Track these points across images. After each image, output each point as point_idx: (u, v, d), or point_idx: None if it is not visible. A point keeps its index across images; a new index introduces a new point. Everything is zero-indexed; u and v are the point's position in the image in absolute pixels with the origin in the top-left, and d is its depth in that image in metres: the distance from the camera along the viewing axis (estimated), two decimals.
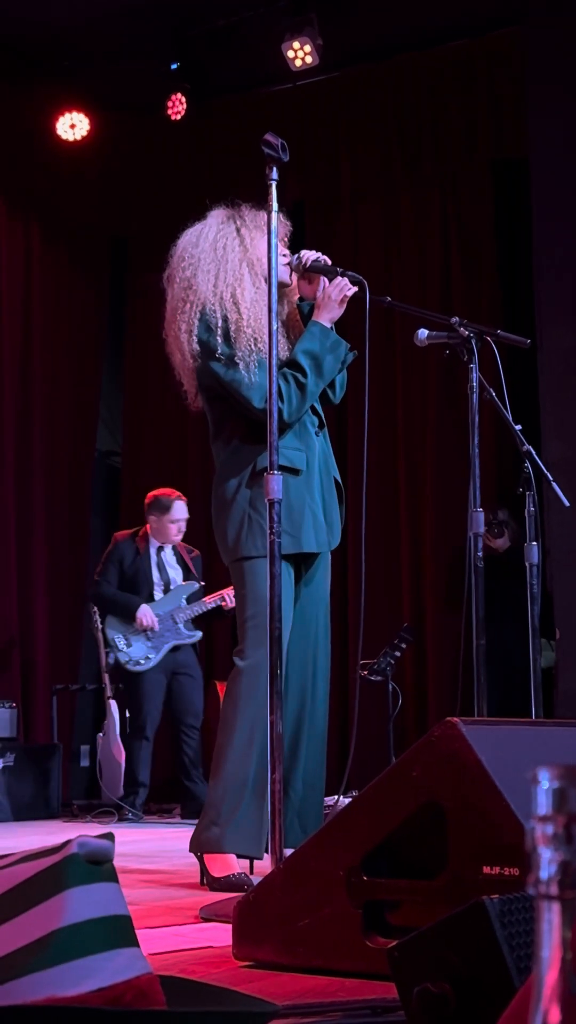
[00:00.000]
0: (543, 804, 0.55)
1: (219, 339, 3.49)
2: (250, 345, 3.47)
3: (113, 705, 7.43)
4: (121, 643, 6.71)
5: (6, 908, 1.16)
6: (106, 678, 7.52)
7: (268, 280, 2.97)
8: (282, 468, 3.32)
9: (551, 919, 0.54)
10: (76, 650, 8.19)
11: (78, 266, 8.50)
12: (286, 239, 3.66)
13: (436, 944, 1.38)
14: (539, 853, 0.55)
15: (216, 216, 3.66)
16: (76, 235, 8.44)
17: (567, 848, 0.54)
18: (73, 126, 7.89)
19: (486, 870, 1.90)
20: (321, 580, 3.66)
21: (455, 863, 1.94)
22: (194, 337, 3.53)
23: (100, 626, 7.64)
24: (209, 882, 3.37)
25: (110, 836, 1.22)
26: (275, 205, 2.95)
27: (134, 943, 1.18)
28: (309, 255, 3.52)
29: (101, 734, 7.41)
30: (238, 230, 3.58)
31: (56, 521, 8.08)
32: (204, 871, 3.41)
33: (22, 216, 8.02)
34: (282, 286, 3.51)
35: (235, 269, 3.52)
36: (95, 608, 6.83)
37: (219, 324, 3.49)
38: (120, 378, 8.91)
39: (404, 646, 6.66)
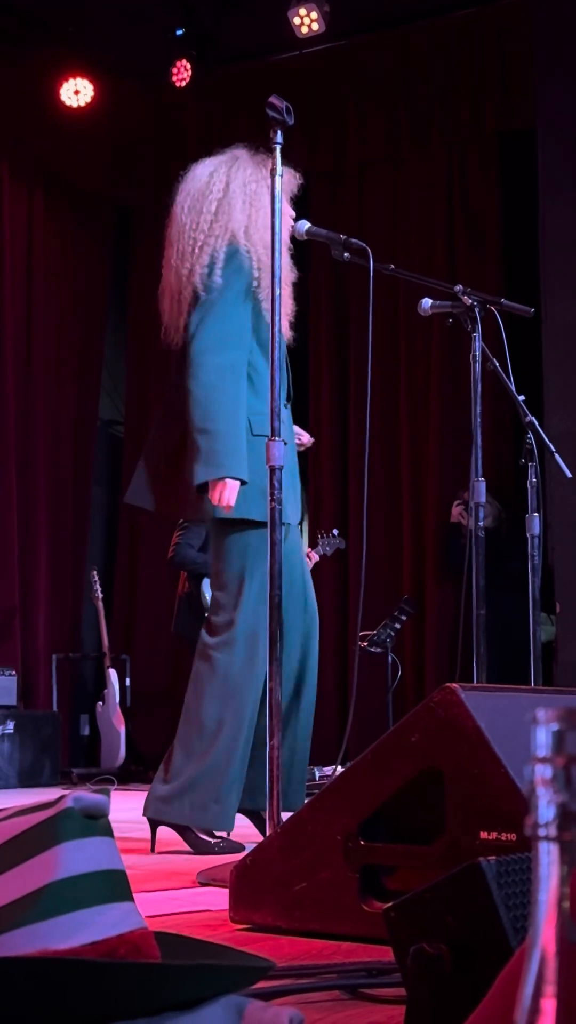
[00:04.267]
0: (542, 746, 0.54)
1: (240, 265, 3.44)
2: (260, 279, 3.42)
3: (113, 674, 7.44)
4: None
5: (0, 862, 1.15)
6: (106, 647, 7.52)
7: (272, 246, 2.95)
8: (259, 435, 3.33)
9: (549, 861, 0.53)
10: (77, 619, 8.20)
11: (81, 233, 8.46)
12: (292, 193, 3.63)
13: (432, 905, 1.38)
14: (538, 795, 0.54)
15: (227, 158, 3.61)
16: (80, 202, 8.41)
17: (566, 790, 0.53)
18: (77, 92, 7.83)
19: (483, 835, 1.90)
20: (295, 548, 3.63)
21: (452, 828, 1.94)
22: (224, 256, 3.46)
23: (100, 595, 7.64)
24: (198, 846, 3.42)
25: (106, 791, 1.21)
26: (280, 168, 2.93)
27: (129, 898, 1.18)
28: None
29: (101, 703, 7.42)
30: (251, 183, 3.55)
31: (58, 490, 8.07)
32: (191, 838, 3.46)
33: (26, 182, 7.98)
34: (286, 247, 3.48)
35: (246, 208, 3.50)
36: (184, 571, 6.63)
37: (240, 252, 3.46)
38: (123, 347, 8.89)
39: (404, 618, 6.66)
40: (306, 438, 3.97)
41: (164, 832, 3.62)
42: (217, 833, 3.47)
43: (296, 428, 3.78)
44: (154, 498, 3.55)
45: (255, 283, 3.46)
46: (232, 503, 3.30)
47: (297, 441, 3.80)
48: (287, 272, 3.48)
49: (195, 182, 3.60)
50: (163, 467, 3.56)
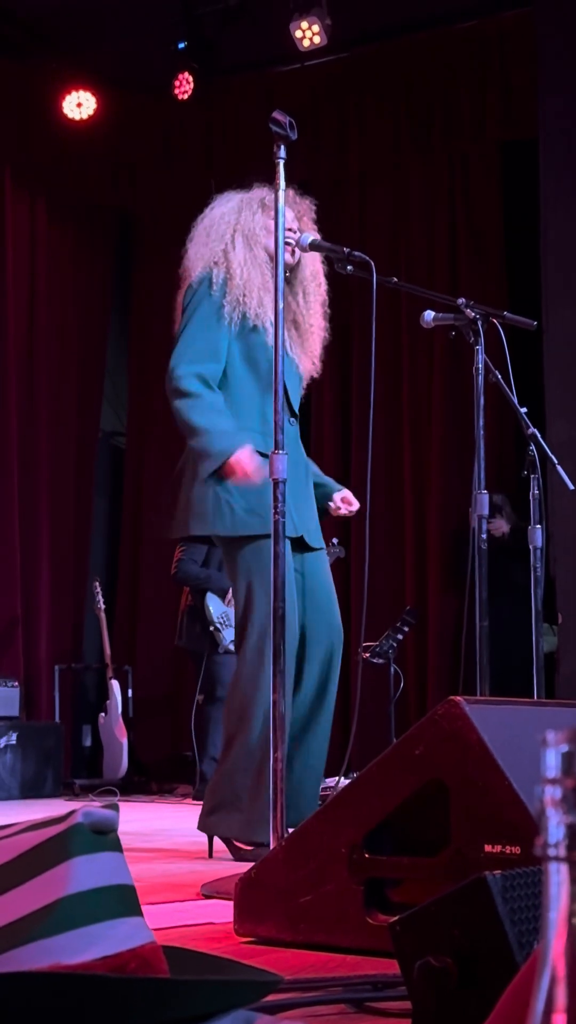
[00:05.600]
0: (551, 767, 0.55)
1: (213, 288, 3.53)
2: (238, 298, 3.51)
3: (115, 685, 7.45)
4: (228, 621, 6.49)
5: (10, 877, 1.16)
6: (108, 657, 7.52)
7: (274, 261, 2.97)
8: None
9: (559, 880, 0.54)
10: (79, 629, 8.21)
11: (84, 245, 8.49)
12: (309, 216, 3.68)
13: (438, 919, 1.39)
14: (547, 816, 0.55)
15: (224, 196, 3.69)
16: (83, 214, 8.43)
17: (575, 811, 0.54)
18: (80, 105, 7.86)
19: (488, 848, 1.90)
20: (314, 568, 3.68)
21: (457, 841, 1.94)
22: (188, 286, 3.60)
23: (102, 605, 7.64)
24: (237, 855, 3.49)
25: (115, 806, 1.22)
26: (283, 183, 2.94)
27: (138, 912, 1.19)
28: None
29: (103, 714, 7.42)
30: (238, 208, 3.61)
31: (60, 501, 8.08)
32: (231, 847, 3.53)
33: (29, 194, 8.01)
34: (286, 267, 3.51)
35: (224, 236, 3.57)
36: (187, 586, 6.62)
37: (209, 278, 3.54)
38: (125, 358, 8.90)
39: (407, 629, 6.66)
40: (354, 506, 3.88)
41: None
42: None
43: (346, 492, 3.82)
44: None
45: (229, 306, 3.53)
46: (251, 471, 3.34)
47: (346, 509, 3.80)
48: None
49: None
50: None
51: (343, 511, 3.82)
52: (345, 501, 3.80)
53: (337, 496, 3.77)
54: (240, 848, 3.51)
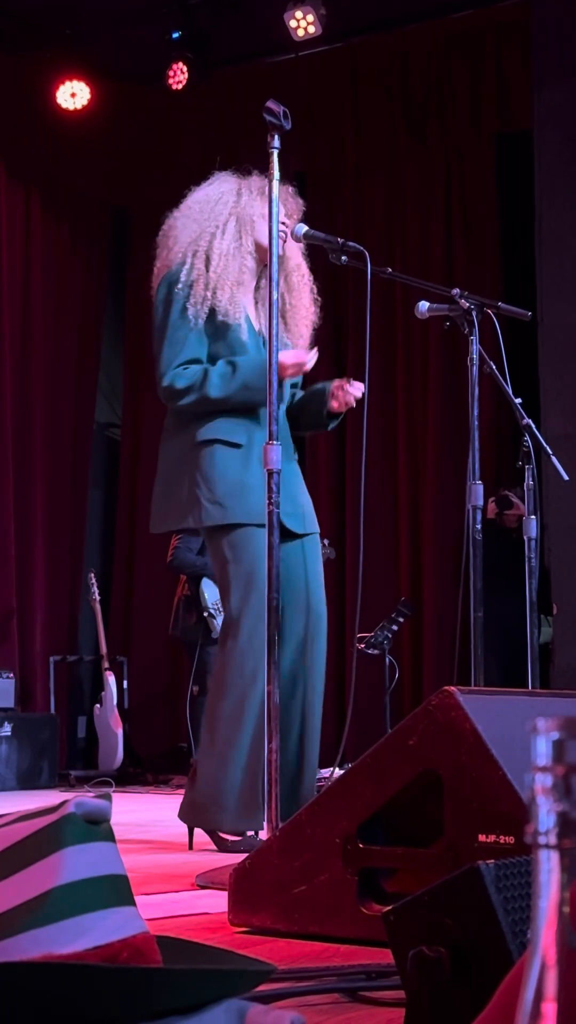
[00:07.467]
0: (542, 755, 0.55)
1: (178, 286, 3.50)
2: (204, 295, 3.48)
3: (110, 676, 7.45)
4: (221, 609, 6.45)
5: (2, 867, 1.16)
6: (103, 649, 7.53)
7: (269, 250, 2.96)
8: (220, 441, 3.45)
9: (549, 868, 0.54)
10: (74, 621, 8.21)
11: (79, 236, 8.47)
12: (297, 215, 3.66)
13: (431, 908, 1.39)
14: (538, 804, 0.55)
15: (221, 176, 3.68)
16: (77, 205, 8.42)
17: (566, 799, 0.54)
18: (74, 95, 7.84)
19: (482, 838, 1.90)
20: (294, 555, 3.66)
21: (451, 831, 1.94)
22: (161, 279, 3.57)
23: (98, 597, 7.64)
24: (222, 847, 3.48)
25: (107, 796, 1.22)
26: (277, 173, 2.94)
27: (131, 902, 1.19)
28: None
29: (98, 705, 7.43)
30: (238, 191, 3.60)
31: (55, 493, 8.08)
32: (216, 839, 3.52)
33: (22, 185, 7.99)
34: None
35: (219, 218, 3.55)
36: (183, 574, 6.62)
37: (184, 271, 3.51)
38: (120, 350, 8.89)
39: (402, 620, 6.66)
40: (355, 387, 3.58)
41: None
42: (248, 832, 3.49)
43: (339, 381, 3.62)
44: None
45: (191, 286, 3.51)
46: (295, 359, 3.39)
47: (351, 390, 3.57)
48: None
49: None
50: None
51: (351, 395, 3.54)
52: (340, 388, 3.55)
53: (333, 386, 3.55)
54: (224, 839, 3.51)
